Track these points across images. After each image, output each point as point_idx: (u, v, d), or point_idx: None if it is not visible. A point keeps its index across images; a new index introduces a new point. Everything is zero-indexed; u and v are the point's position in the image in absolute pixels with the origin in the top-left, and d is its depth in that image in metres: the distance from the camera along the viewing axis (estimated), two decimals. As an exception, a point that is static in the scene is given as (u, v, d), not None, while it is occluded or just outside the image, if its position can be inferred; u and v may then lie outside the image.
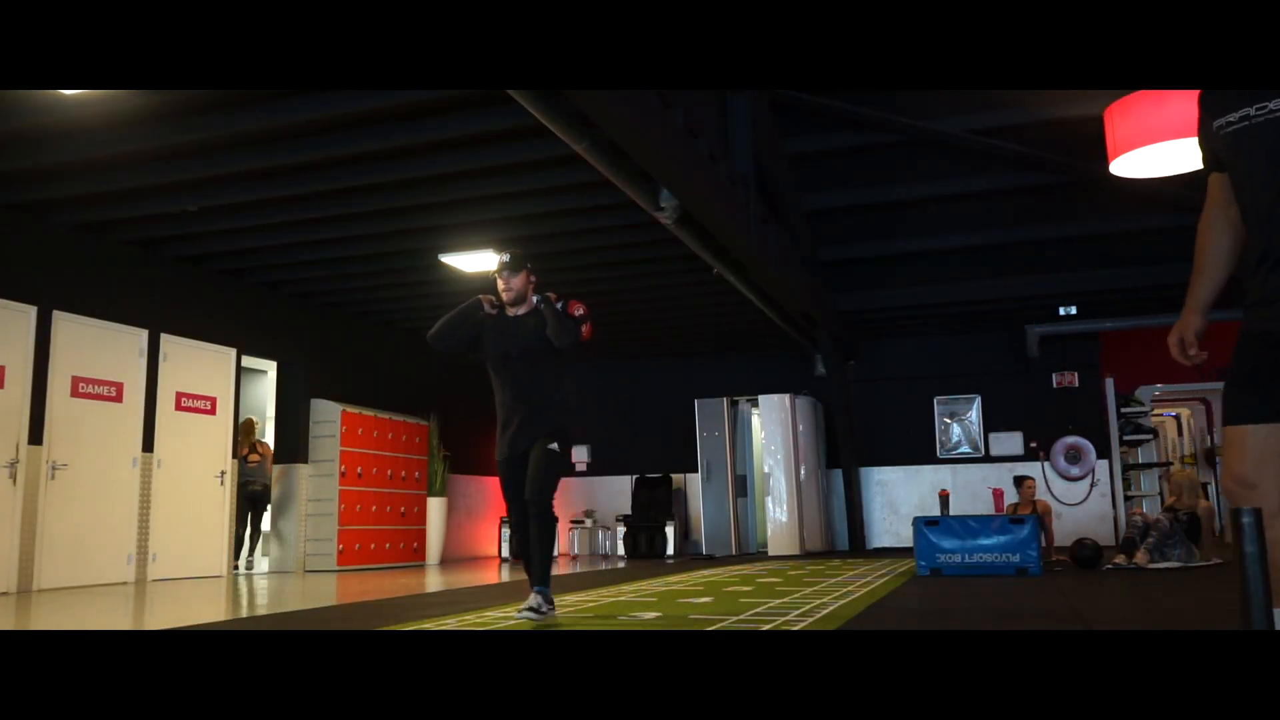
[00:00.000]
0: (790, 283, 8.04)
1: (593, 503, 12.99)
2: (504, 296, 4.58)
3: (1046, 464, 11.46)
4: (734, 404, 11.41)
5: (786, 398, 10.87)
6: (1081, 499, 11.29)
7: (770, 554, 10.45)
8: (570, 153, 5.52)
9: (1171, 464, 12.45)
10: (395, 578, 8.01)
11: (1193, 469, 7.67)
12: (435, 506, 10.71)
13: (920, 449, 12.00)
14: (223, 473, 8.54)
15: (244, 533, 9.26)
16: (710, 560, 9.99)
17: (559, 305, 4.46)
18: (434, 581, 7.50)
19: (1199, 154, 2.29)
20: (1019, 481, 7.94)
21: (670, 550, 11.15)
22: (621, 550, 11.54)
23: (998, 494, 8.00)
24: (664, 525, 11.33)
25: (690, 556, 10.99)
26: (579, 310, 4.51)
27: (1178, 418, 13.38)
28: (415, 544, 10.44)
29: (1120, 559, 7.12)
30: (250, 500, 9.32)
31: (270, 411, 10.51)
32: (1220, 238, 2.25)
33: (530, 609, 4.09)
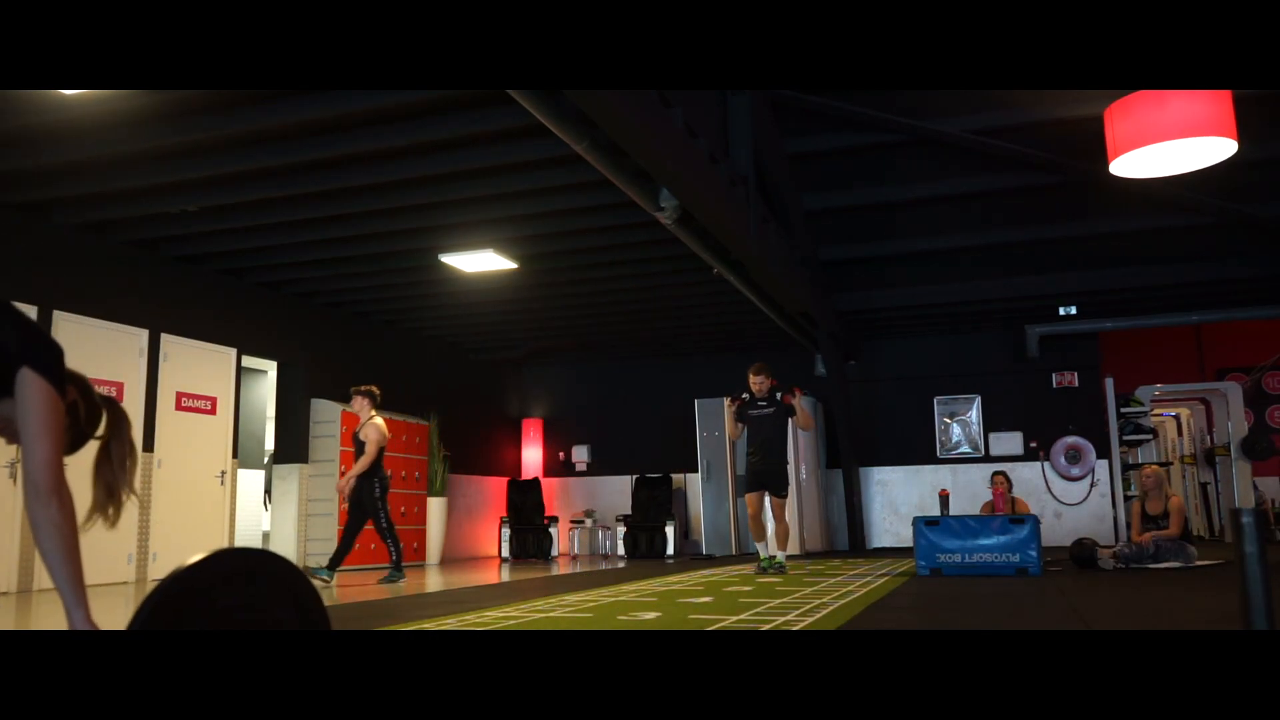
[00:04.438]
0: (790, 283, 8.04)
1: (593, 503, 12.99)
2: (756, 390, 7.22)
3: (1046, 464, 11.46)
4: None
5: (786, 398, 10.86)
6: (1081, 499, 11.30)
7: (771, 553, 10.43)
8: (570, 153, 5.52)
9: (1170, 464, 12.45)
10: (395, 578, 8.00)
11: (1160, 468, 7.62)
12: (435, 506, 10.71)
13: (920, 449, 12.00)
14: (223, 473, 8.54)
15: None
16: (710, 560, 9.99)
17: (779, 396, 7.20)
18: (434, 581, 7.50)
19: (1199, 154, 2.29)
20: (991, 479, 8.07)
21: (670, 550, 11.15)
22: (621, 550, 11.54)
23: (998, 494, 8.01)
24: (664, 525, 11.33)
25: (690, 556, 10.99)
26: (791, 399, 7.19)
27: (1177, 418, 13.37)
28: (415, 544, 10.44)
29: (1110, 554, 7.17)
30: None
31: (270, 411, 10.51)
32: None
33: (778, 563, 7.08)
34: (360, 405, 7.58)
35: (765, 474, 7.16)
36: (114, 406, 2.28)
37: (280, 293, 9.34)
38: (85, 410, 2.21)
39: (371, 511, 7.39)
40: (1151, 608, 4.32)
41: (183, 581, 1.70)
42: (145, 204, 6.91)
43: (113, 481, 2.22)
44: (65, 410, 2.07)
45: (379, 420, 7.46)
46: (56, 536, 1.95)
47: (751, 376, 7.26)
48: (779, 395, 7.20)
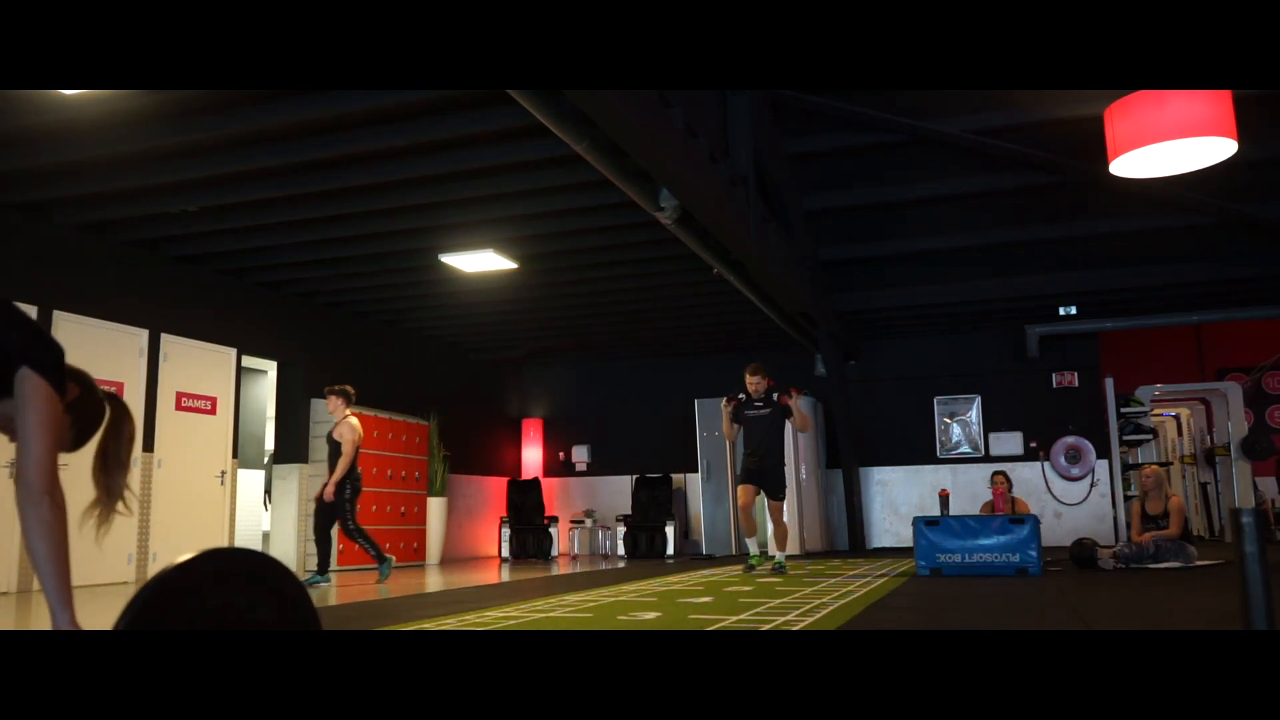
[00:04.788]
0: (790, 283, 8.03)
1: (593, 503, 12.99)
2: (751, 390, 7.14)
3: (1046, 464, 11.46)
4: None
5: (786, 398, 10.86)
6: (1081, 499, 11.30)
7: (770, 554, 10.44)
8: (570, 153, 5.52)
9: (1170, 464, 12.45)
10: (395, 578, 8.00)
11: (1160, 468, 7.62)
12: (435, 506, 10.71)
13: (920, 449, 12.00)
14: (223, 473, 8.54)
15: None
16: (710, 560, 9.99)
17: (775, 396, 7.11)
18: (434, 581, 7.50)
19: (1199, 154, 2.29)
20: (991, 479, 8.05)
21: (670, 550, 11.15)
22: (621, 550, 11.54)
23: (998, 494, 8.01)
24: (664, 525, 11.33)
25: (690, 556, 10.99)
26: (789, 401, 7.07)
27: (1177, 418, 13.37)
28: (415, 544, 10.44)
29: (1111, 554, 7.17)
30: None
31: (270, 411, 10.50)
32: None
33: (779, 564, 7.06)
34: (335, 405, 7.38)
35: (762, 475, 7.09)
36: (117, 404, 2.28)
37: (280, 293, 9.35)
38: (89, 407, 2.21)
39: (339, 513, 7.22)
40: (1151, 608, 4.32)
41: (169, 582, 1.70)
42: (145, 204, 6.91)
43: (111, 482, 2.21)
44: (64, 409, 2.07)
45: (354, 420, 7.31)
46: (46, 536, 1.93)
47: (748, 376, 7.17)
48: (775, 396, 7.10)
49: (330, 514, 7.27)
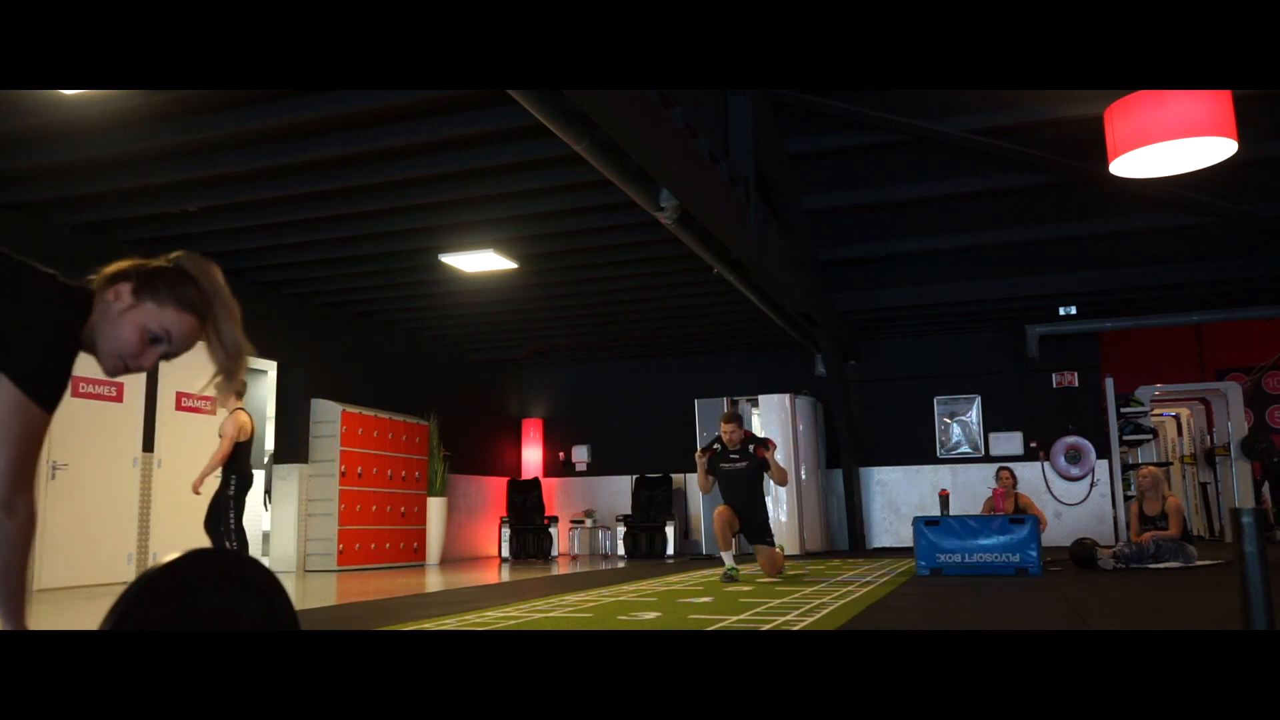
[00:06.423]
0: (790, 283, 8.04)
1: (593, 503, 12.99)
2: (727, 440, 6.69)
3: (1046, 464, 11.46)
4: (734, 404, 11.40)
5: (786, 398, 10.86)
6: (1081, 499, 11.30)
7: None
8: (570, 153, 5.52)
9: (1170, 464, 12.46)
10: (395, 578, 8.01)
11: (1157, 469, 7.61)
12: (435, 506, 10.72)
13: (920, 449, 12.00)
14: (223, 473, 8.53)
15: None
16: (710, 560, 9.98)
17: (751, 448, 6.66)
18: (434, 581, 7.50)
19: (1199, 154, 2.29)
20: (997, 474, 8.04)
21: (670, 550, 11.15)
22: (621, 550, 11.54)
23: (998, 494, 8.02)
24: (664, 525, 11.33)
25: (690, 556, 10.99)
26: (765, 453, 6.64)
27: (1177, 418, 13.37)
28: (415, 544, 10.44)
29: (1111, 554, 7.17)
30: None
31: (270, 411, 10.50)
32: None
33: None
34: (223, 398, 6.91)
35: (745, 528, 6.70)
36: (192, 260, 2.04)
37: (280, 293, 9.34)
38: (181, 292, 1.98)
39: (222, 509, 6.59)
40: (1151, 608, 4.32)
41: (155, 581, 1.70)
42: (145, 204, 6.91)
43: (224, 362, 2.02)
44: (43, 418, 1.88)
45: (242, 415, 6.73)
46: (1, 550, 1.85)
47: (723, 425, 6.69)
48: (752, 448, 6.65)
49: (220, 510, 6.61)
